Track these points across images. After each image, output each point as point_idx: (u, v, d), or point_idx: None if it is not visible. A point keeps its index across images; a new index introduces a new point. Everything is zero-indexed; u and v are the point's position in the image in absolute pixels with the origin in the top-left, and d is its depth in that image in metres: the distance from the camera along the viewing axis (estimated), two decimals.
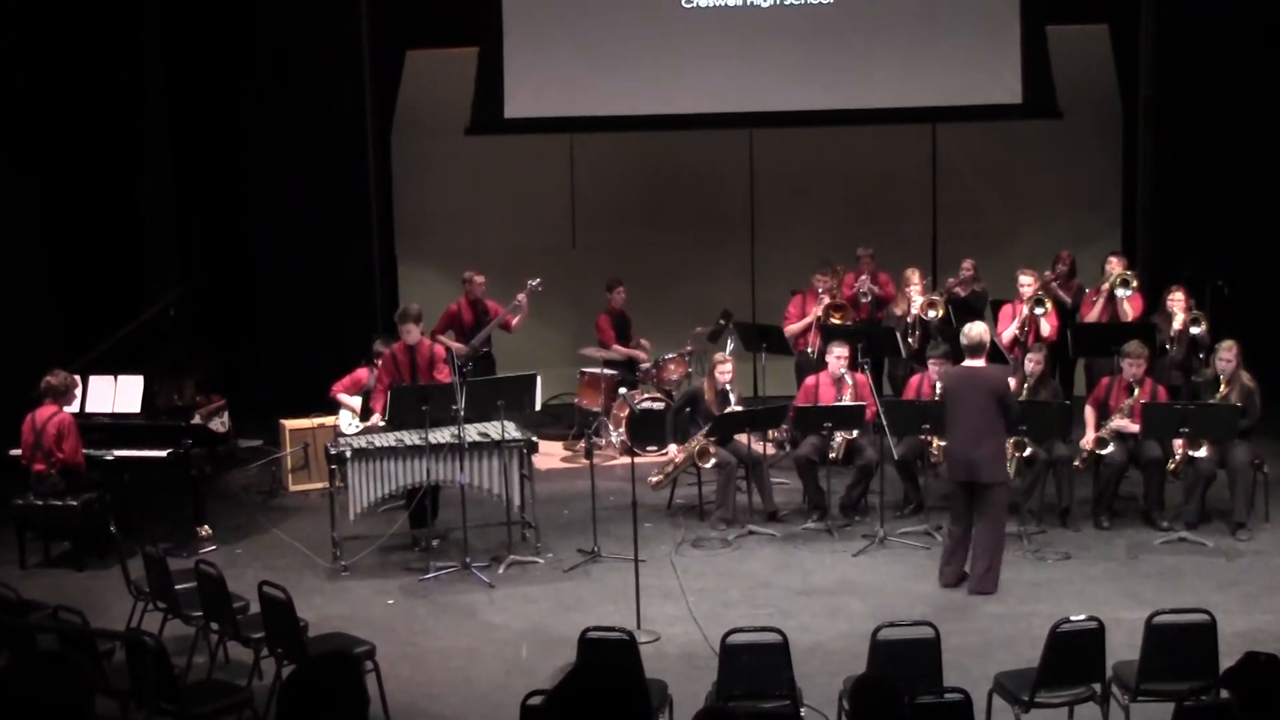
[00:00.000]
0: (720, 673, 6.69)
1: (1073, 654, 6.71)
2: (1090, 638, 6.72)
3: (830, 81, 13.92)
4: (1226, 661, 5.42)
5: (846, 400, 10.71)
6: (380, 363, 10.72)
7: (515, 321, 12.56)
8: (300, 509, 11.43)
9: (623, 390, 12.36)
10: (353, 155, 14.27)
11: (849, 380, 10.85)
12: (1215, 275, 12.65)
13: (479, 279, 12.63)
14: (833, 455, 10.64)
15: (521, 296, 12.44)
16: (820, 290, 12.54)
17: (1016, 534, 9.91)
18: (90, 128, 13.36)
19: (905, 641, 6.69)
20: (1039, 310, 11.54)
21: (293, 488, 11.90)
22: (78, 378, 10.42)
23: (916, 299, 12.12)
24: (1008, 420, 9.21)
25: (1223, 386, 10.29)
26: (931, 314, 12.02)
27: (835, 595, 9.21)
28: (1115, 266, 12.06)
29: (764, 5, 13.88)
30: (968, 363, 9.32)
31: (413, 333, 10.45)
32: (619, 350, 12.96)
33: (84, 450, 10.08)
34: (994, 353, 10.52)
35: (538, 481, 10.73)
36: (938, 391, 10.54)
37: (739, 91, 13.90)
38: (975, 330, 9.37)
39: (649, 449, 11.89)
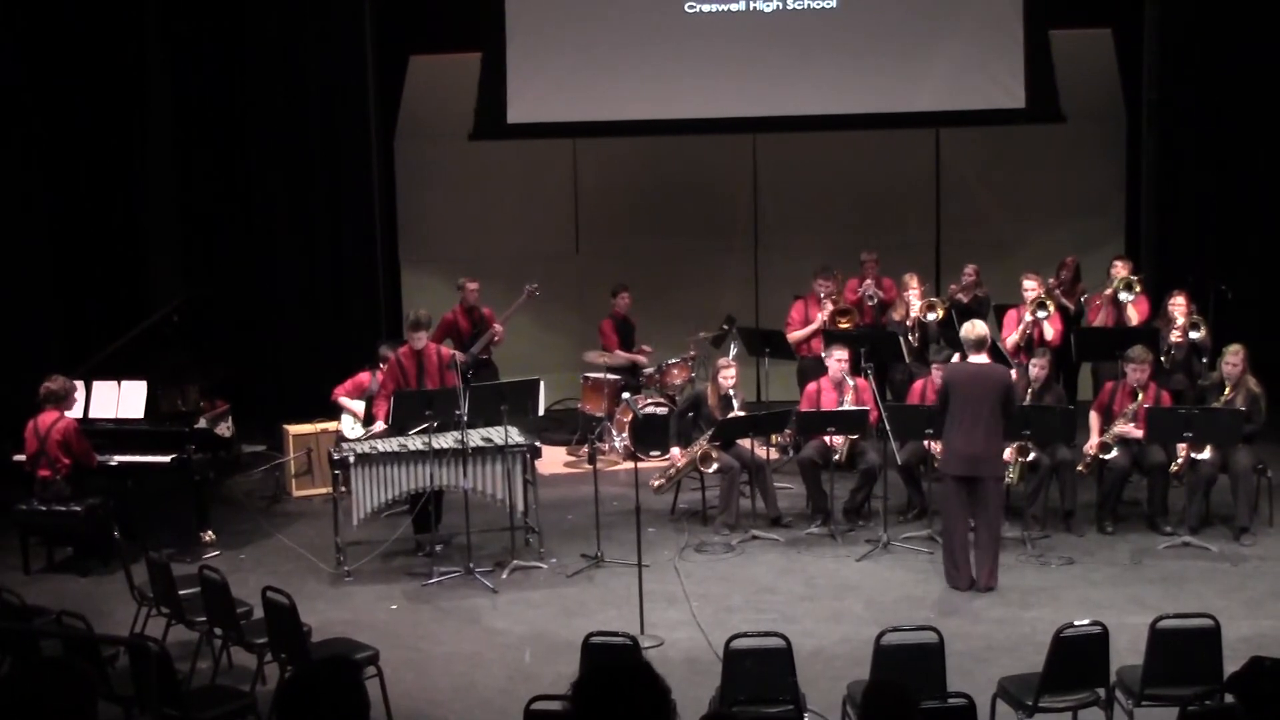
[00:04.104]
0: (724, 678, 6.68)
1: (1076, 659, 6.71)
2: (1094, 642, 6.72)
3: (833, 86, 13.91)
4: (1231, 666, 5.42)
5: (848, 405, 10.71)
6: (384, 367, 10.71)
7: (497, 340, 12.56)
8: (303, 514, 11.44)
9: (626, 395, 12.36)
10: (356, 161, 14.26)
11: (850, 383, 10.85)
12: (1219, 280, 12.65)
13: (472, 286, 12.61)
14: (836, 458, 10.65)
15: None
16: (822, 295, 12.54)
17: (1020, 538, 9.93)
18: (93, 133, 13.37)
19: (909, 646, 6.68)
20: (1041, 314, 11.54)
21: (296, 493, 11.90)
22: (78, 383, 10.44)
23: (915, 303, 12.15)
24: (1009, 417, 9.26)
25: (1227, 390, 10.28)
26: (931, 316, 12.06)
27: (838, 600, 9.21)
28: (1120, 270, 12.06)
29: (766, 10, 13.88)
30: (972, 359, 9.36)
31: (423, 339, 10.46)
32: (621, 355, 12.97)
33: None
34: (998, 357, 10.54)
35: (541, 486, 10.73)
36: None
37: (742, 96, 13.89)
38: (979, 328, 9.48)
39: (652, 454, 11.89)
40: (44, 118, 13.06)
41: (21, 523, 10.08)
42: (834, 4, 13.84)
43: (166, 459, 10.45)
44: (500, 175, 14.89)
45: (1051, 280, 12.47)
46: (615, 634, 6.96)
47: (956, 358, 10.09)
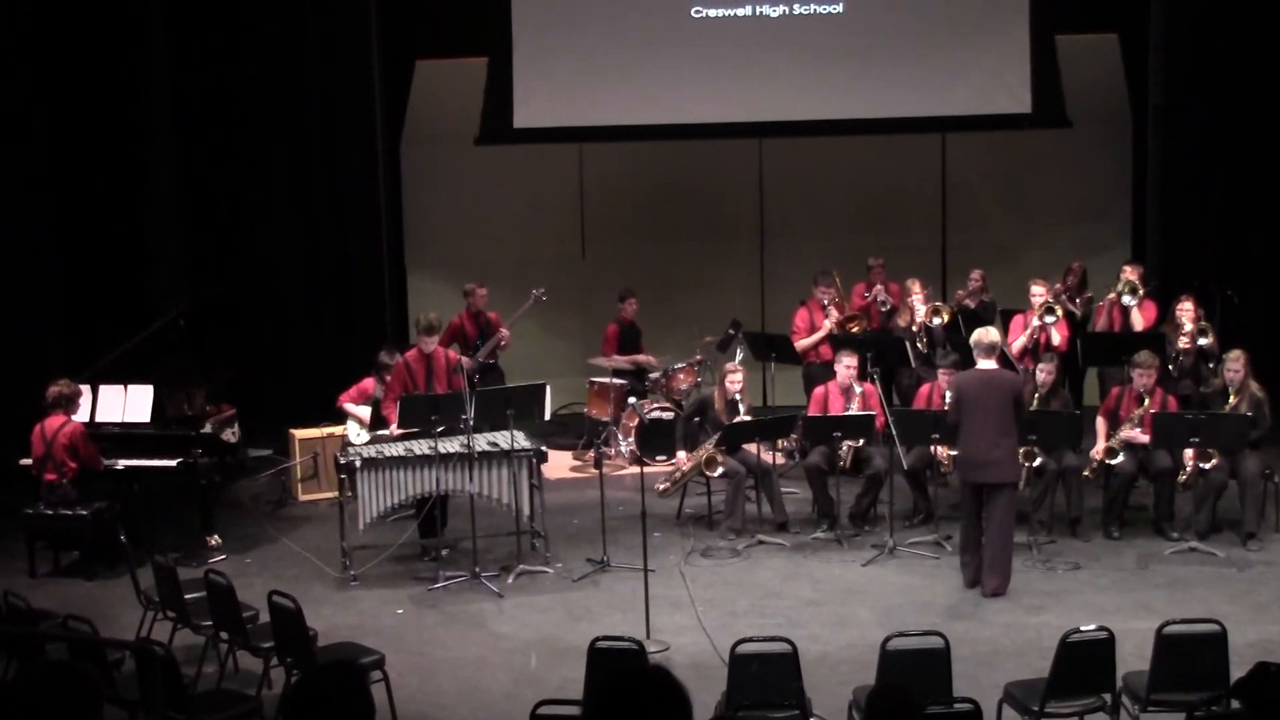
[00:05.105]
0: (729, 683, 6.67)
1: (1083, 664, 6.70)
2: (1100, 648, 6.71)
3: (839, 91, 13.92)
4: (1237, 672, 5.42)
5: (855, 410, 10.70)
6: (392, 372, 10.72)
7: (504, 345, 12.57)
8: (309, 518, 11.44)
9: (632, 400, 12.34)
10: (362, 165, 14.28)
11: (857, 389, 10.85)
12: (1225, 284, 12.63)
13: (480, 291, 12.63)
14: (841, 464, 10.64)
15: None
16: (825, 302, 12.53)
17: (1026, 543, 9.90)
18: (99, 140, 13.38)
19: (915, 651, 6.67)
20: (1049, 319, 11.53)
21: (302, 497, 11.91)
22: (84, 387, 10.45)
23: (919, 308, 12.14)
24: (1020, 421, 9.24)
25: (1231, 397, 10.26)
26: (936, 320, 12.05)
27: (844, 605, 9.20)
28: (1129, 275, 12.05)
29: (773, 15, 13.89)
30: (981, 365, 9.34)
31: (433, 343, 10.47)
32: (619, 360, 12.95)
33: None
34: (1004, 363, 10.52)
35: (547, 491, 10.73)
36: (948, 399, 10.54)
37: (748, 101, 13.90)
38: (991, 334, 9.49)
39: (658, 458, 11.88)
40: (48, 123, 13.06)
41: (28, 526, 10.09)
42: (840, 9, 13.86)
43: (172, 463, 10.46)
44: (506, 180, 14.90)
45: (1058, 285, 12.46)
46: (621, 639, 6.96)
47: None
